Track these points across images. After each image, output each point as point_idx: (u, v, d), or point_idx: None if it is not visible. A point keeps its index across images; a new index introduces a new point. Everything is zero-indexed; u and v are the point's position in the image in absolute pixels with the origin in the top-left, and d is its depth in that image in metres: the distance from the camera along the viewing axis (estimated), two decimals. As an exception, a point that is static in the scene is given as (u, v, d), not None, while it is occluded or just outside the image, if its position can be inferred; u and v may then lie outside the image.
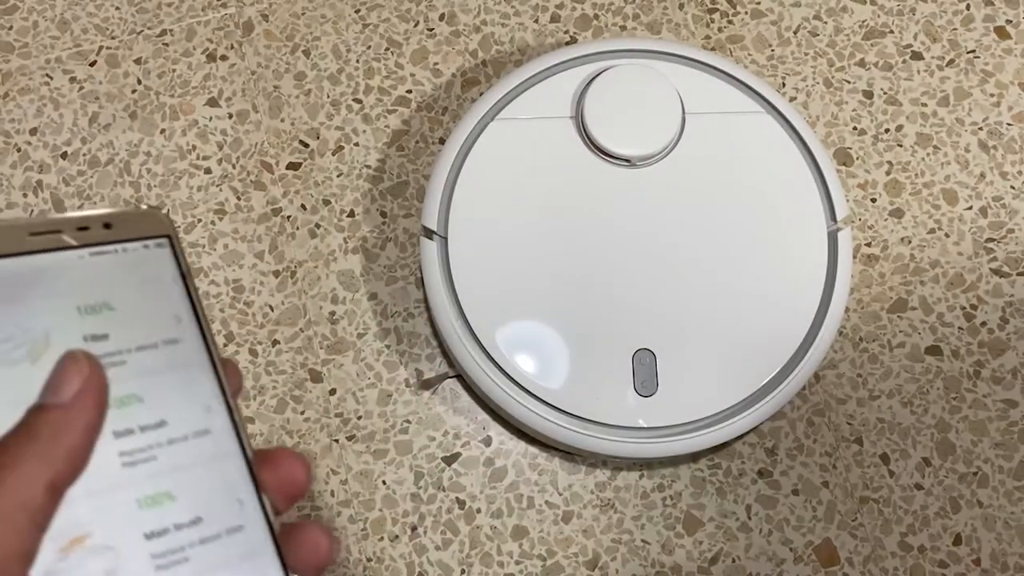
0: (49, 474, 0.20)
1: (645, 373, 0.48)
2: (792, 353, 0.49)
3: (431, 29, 0.62)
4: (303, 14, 0.63)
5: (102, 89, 0.61)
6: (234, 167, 0.59)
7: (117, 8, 0.63)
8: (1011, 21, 0.62)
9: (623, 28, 0.62)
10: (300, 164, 0.59)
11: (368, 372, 0.55)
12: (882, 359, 0.56)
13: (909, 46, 0.62)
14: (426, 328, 0.56)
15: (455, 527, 0.53)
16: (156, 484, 0.22)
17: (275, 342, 0.56)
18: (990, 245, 0.58)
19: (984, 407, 0.55)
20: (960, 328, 0.56)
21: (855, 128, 0.60)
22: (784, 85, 0.61)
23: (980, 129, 0.60)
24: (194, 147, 0.60)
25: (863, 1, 0.63)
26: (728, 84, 0.53)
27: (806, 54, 0.62)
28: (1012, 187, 0.59)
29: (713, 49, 0.62)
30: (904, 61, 0.62)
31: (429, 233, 0.50)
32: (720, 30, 0.62)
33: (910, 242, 0.58)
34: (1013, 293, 0.57)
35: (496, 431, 0.55)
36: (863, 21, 0.63)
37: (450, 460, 0.54)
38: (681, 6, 0.63)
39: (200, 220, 0.58)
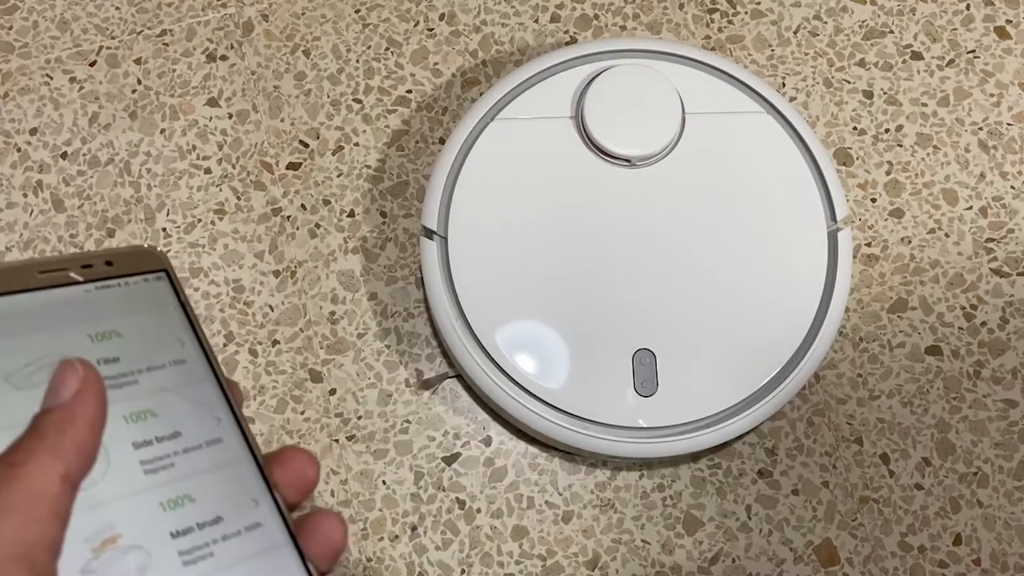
0: (62, 467, 0.21)
1: (645, 373, 0.48)
2: (792, 353, 0.49)
3: (431, 29, 0.62)
4: (303, 14, 0.62)
5: (102, 89, 0.61)
6: (234, 167, 0.59)
7: (117, 8, 0.63)
8: (1011, 21, 0.62)
9: (623, 28, 0.62)
10: (300, 164, 0.59)
11: (368, 372, 0.55)
12: (882, 359, 0.56)
13: (909, 46, 0.62)
14: (426, 328, 0.56)
15: (455, 527, 0.53)
16: (176, 488, 0.24)
17: (275, 342, 0.56)
18: (990, 245, 0.58)
19: (984, 407, 0.55)
20: (960, 328, 0.56)
21: (855, 128, 0.60)
22: (784, 85, 0.61)
23: (980, 129, 0.60)
24: (194, 147, 0.60)
25: (863, 1, 0.63)
26: (728, 84, 0.53)
27: (806, 54, 0.62)
28: (1012, 187, 0.59)
29: (713, 49, 0.62)
30: (904, 61, 0.62)
31: (429, 233, 0.50)
32: (720, 30, 0.62)
33: (910, 242, 0.58)
34: (1013, 293, 0.57)
35: (496, 431, 0.55)
36: (863, 21, 0.62)
37: (450, 460, 0.54)
38: (681, 6, 0.63)
39: (200, 220, 0.58)
